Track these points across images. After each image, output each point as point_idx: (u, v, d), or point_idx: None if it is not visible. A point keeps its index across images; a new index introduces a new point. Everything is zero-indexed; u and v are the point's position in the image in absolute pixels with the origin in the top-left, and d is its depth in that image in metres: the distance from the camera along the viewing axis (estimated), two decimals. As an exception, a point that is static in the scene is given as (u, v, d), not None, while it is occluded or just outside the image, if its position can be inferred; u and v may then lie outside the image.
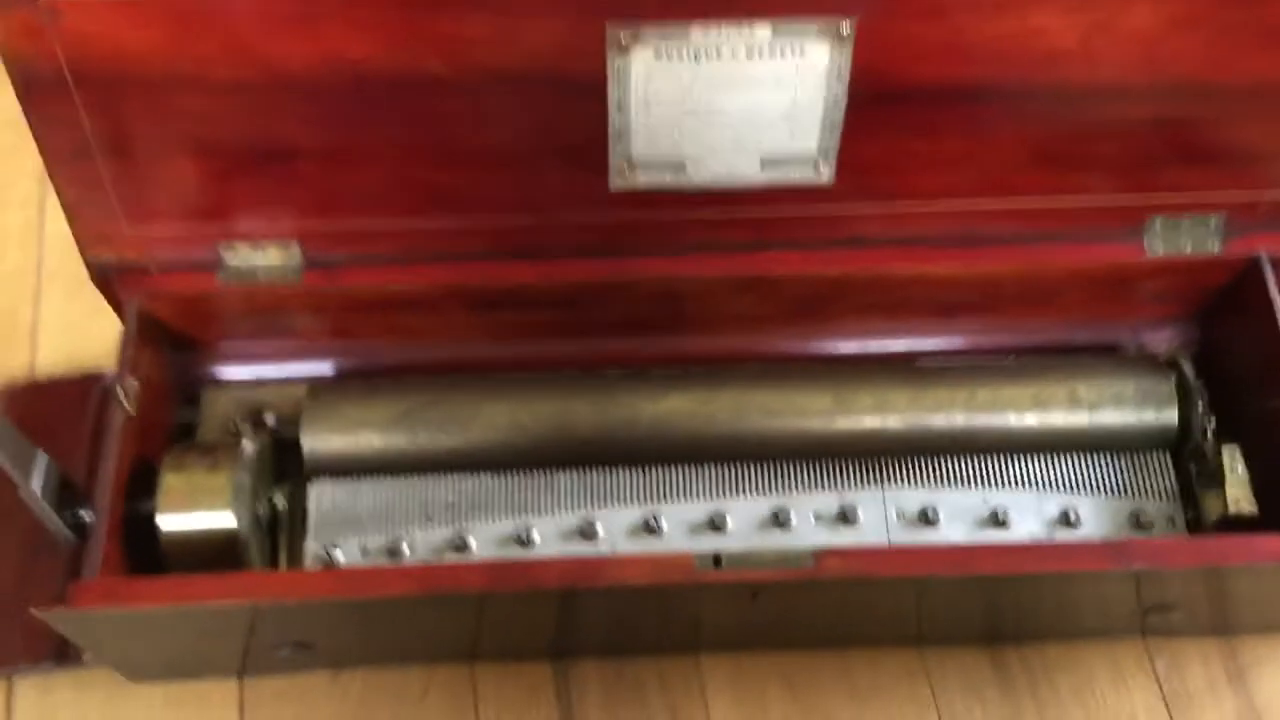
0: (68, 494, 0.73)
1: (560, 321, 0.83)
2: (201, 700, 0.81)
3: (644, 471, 0.79)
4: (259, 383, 0.84)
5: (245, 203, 0.74)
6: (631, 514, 0.78)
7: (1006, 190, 0.78)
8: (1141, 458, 0.81)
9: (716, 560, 0.69)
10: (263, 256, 0.77)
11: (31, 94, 0.67)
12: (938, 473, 0.80)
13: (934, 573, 0.69)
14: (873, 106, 0.72)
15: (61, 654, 0.78)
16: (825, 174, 0.75)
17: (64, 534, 0.73)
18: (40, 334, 0.96)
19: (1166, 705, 0.82)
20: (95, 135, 0.70)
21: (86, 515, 0.73)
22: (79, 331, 0.95)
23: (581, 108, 0.71)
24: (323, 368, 0.84)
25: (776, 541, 0.77)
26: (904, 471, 0.80)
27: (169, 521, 0.73)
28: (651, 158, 0.74)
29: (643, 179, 0.75)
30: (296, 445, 0.79)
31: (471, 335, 0.83)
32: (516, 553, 0.76)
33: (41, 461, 0.71)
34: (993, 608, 0.79)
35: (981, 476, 0.80)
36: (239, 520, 0.74)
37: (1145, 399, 0.81)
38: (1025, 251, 0.80)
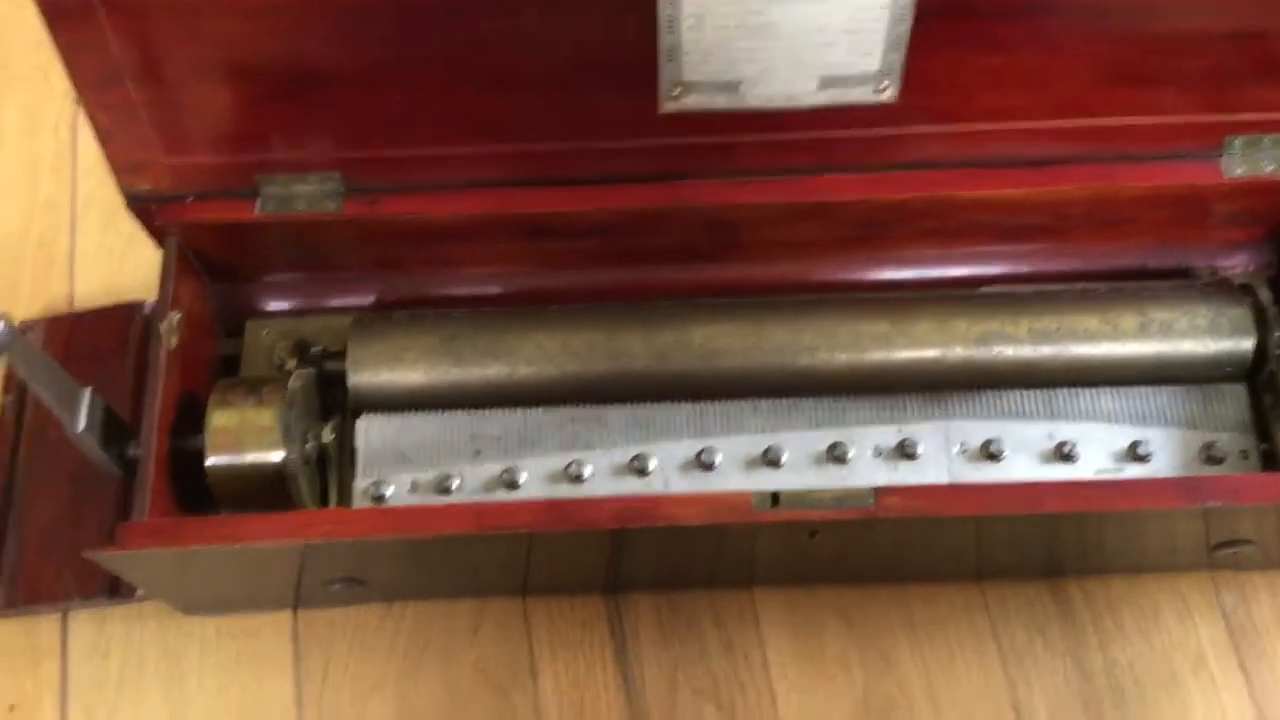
0: (114, 429, 0.72)
1: (608, 250, 0.80)
2: (255, 632, 0.81)
3: (697, 405, 0.77)
4: (302, 313, 0.82)
5: (282, 130, 0.72)
6: (684, 449, 0.76)
7: (1078, 109, 0.74)
8: (1214, 388, 0.78)
9: (774, 499, 0.67)
10: (302, 186, 0.74)
11: (59, 19, 0.65)
12: (1001, 405, 0.77)
13: (998, 512, 0.67)
14: (940, 19, 0.67)
15: (114, 588, 0.78)
16: (888, 93, 0.71)
17: (112, 470, 0.73)
18: (78, 263, 0.94)
19: (1233, 639, 0.80)
20: (126, 61, 0.67)
21: (133, 450, 0.72)
22: (117, 260, 0.94)
23: (629, 25, 0.67)
24: (366, 298, 0.82)
25: (833, 477, 0.75)
26: (966, 403, 0.77)
27: (217, 460, 0.72)
28: (703, 78, 0.70)
29: (694, 101, 0.71)
30: (342, 378, 0.77)
31: (517, 264, 0.81)
32: (568, 489, 0.75)
33: (86, 398, 0.69)
34: (1056, 542, 0.77)
35: (1047, 408, 0.77)
36: (287, 457, 0.72)
37: (1219, 326, 0.77)
38: (1096, 173, 0.76)
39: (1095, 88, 0.72)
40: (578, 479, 0.75)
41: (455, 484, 0.75)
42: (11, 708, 0.78)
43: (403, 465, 0.76)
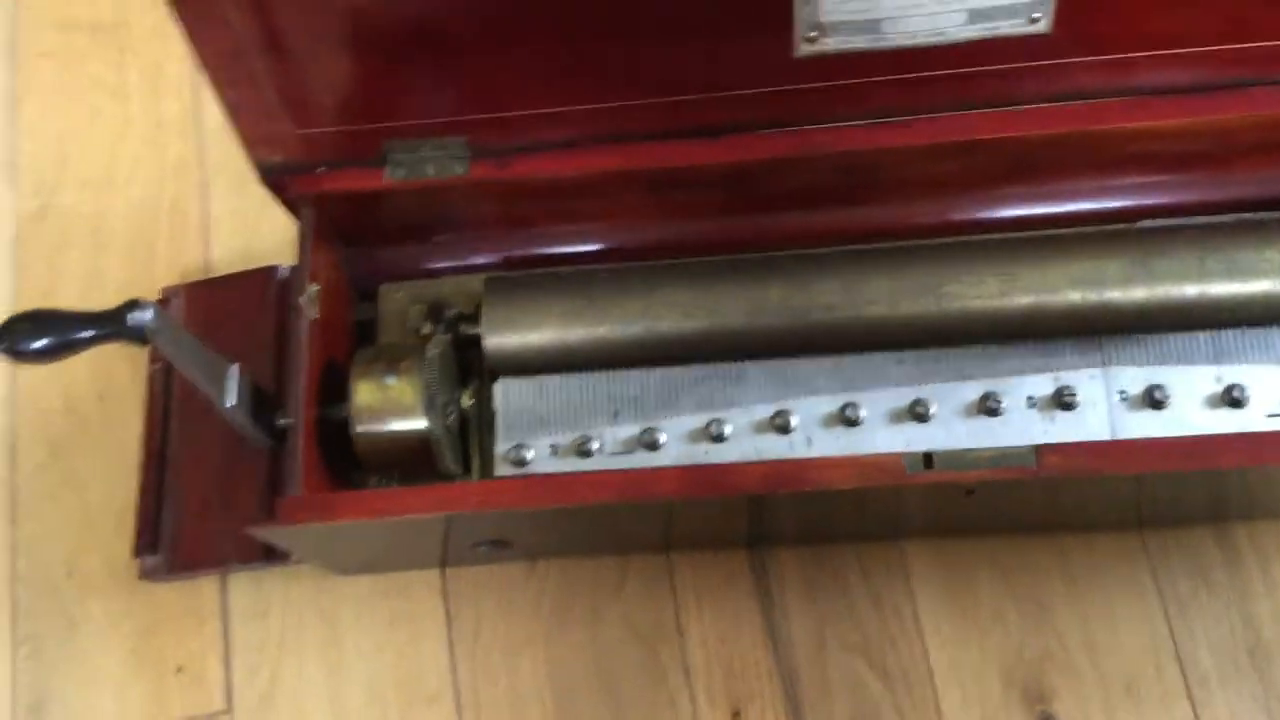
0: (261, 401, 0.73)
1: (739, 198, 0.77)
2: (406, 591, 0.82)
3: (839, 358, 0.75)
4: (433, 274, 0.82)
5: (408, 97, 0.70)
6: (827, 404, 0.74)
7: (1247, 30, 0.68)
8: (1401, 322, 0.73)
9: (927, 460, 0.65)
10: (429, 150, 0.73)
11: (182, -1, 0.64)
12: (1164, 347, 0.73)
13: (1168, 469, 0.64)
14: (1099, -58, 0.62)
15: (270, 552, 0.79)
16: (1042, 22, 0.67)
17: (262, 441, 0.74)
18: (212, 228, 0.95)
19: None
20: (249, 34, 0.66)
21: (281, 420, 0.73)
22: (250, 225, 0.94)
23: (762, -33, 0.64)
24: (495, 256, 0.81)
25: (985, 431, 0.72)
26: (1126, 347, 0.73)
27: (363, 433, 0.72)
28: (841, 19, 0.66)
29: (832, 43, 0.68)
30: (478, 341, 0.77)
31: (648, 217, 0.79)
32: (708, 448, 0.74)
33: (234, 374, 0.70)
34: (1222, 489, 0.74)
35: (1213, 349, 0.73)
36: (430, 427, 0.73)
37: (1406, 254, 0.71)
38: (1267, 97, 0.71)
39: (1266, 5, 0.66)
40: (719, 438, 0.74)
41: (595, 446, 0.74)
42: (179, 669, 0.81)
43: (542, 428, 0.75)
